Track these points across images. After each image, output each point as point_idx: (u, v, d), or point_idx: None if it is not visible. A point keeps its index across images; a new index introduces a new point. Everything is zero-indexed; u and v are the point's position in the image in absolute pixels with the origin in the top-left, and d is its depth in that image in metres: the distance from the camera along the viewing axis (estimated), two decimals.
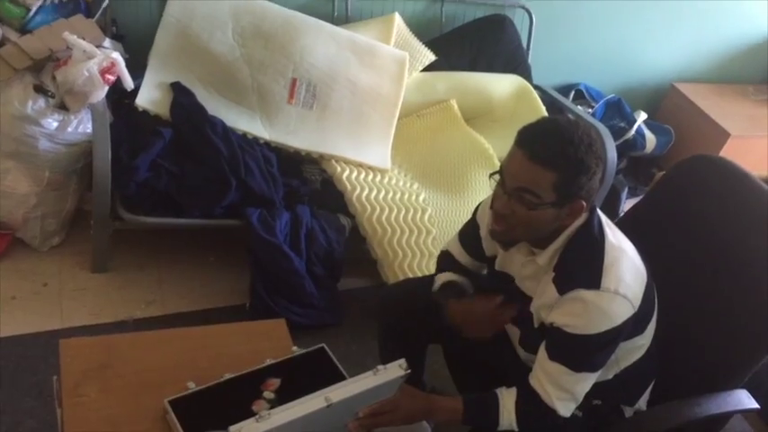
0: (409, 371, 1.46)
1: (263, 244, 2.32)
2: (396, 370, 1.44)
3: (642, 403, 1.71)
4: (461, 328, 1.69)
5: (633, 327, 1.50)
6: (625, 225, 1.99)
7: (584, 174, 1.39)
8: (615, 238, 1.52)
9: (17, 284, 2.33)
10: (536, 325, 1.57)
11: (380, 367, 1.44)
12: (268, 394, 1.56)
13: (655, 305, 1.62)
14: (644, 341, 1.61)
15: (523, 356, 1.69)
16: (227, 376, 1.58)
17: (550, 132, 1.40)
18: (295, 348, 1.70)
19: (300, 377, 1.61)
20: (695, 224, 1.86)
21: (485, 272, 1.80)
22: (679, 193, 1.92)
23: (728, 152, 3.39)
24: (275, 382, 1.59)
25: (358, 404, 1.42)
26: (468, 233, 1.78)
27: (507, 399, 1.54)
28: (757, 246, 1.71)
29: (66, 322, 2.25)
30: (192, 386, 1.54)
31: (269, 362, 1.63)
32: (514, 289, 1.63)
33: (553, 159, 1.37)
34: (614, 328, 1.43)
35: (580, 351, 1.47)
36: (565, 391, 1.49)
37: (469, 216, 1.79)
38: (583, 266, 1.47)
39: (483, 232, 1.71)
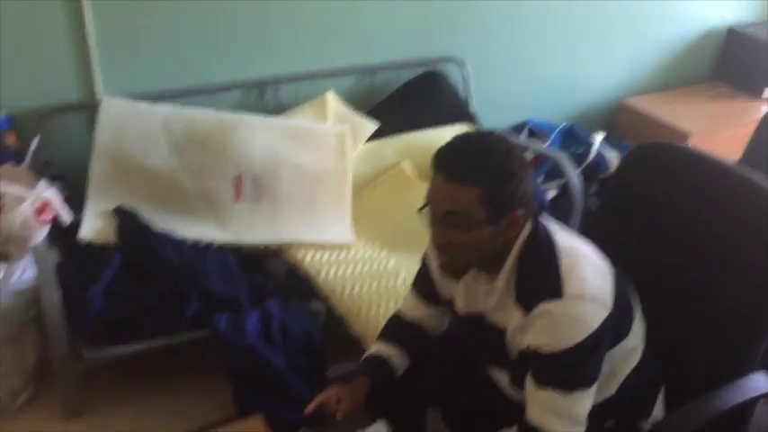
0: (392, 430, 1.32)
1: (236, 348, 2.19)
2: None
3: (659, 412, 1.57)
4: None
5: (614, 329, 1.39)
6: (591, 233, 1.92)
7: (509, 181, 1.31)
8: (567, 240, 1.42)
9: None
10: (515, 356, 1.44)
11: None
12: None
13: (634, 303, 1.50)
14: (634, 343, 1.49)
15: (518, 398, 1.55)
16: None
17: (463, 148, 1.34)
18: None
19: None
20: (656, 213, 1.78)
21: (446, 320, 1.70)
22: (631, 186, 1.85)
23: None
24: None
25: None
26: (421, 280, 1.69)
27: None
28: (723, 222, 1.62)
29: None
30: None
31: None
32: (487, 327, 1.51)
33: (471, 174, 1.30)
34: (592, 333, 1.32)
35: (565, 369, 1.35)
36: (564, 416, 1.36)
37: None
38: (540, 278, 1.37)
39: (435, 274, 1.61)
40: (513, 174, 1.32)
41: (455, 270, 1.46)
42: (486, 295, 1.48)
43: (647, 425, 1.55)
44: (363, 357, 1.68)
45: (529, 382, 1.40)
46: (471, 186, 1.30)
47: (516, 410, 1.53)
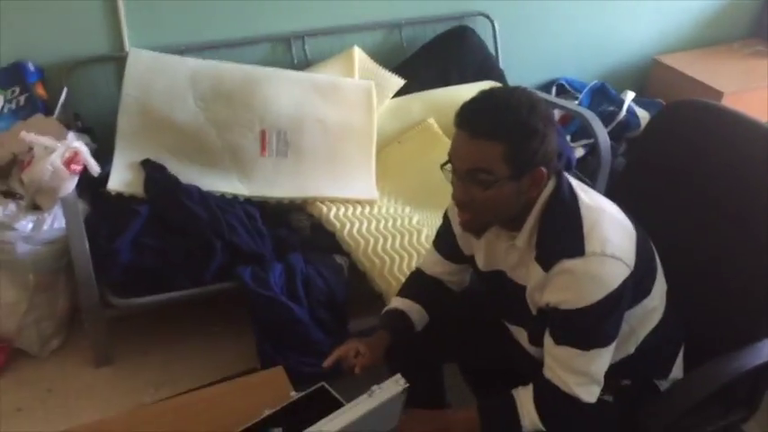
0: (407, 386, 1.33)
1: (260, 300, 2.23)
2: (393, 387, 1.32)
3: (677, 372, 1.57)
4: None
5: (635, 288, 1.37)
6: (617, 193, 1.90)
7: (532, 138, 1.29)
8: (590, 198, 1.40)
9: (21, 395, 2.25)
10: (534, 312, 1.44)
11: (375, 387, 1.32)
12: None
13: (656, 263, 1.49)
14: (655, 303, 1.48)
15: (537, 355, 1.56)
16: None
17: (486, 104, 1.32)
18: (293, 393, 1.59)
19: (303, 421, 1.49)
20: (686, 173, 1.75)
21: (467, 277, 1.70)
22: (661, 144, 1.81)
23: None
24: None
25: (359, 431, 1.30)
26: (443, 237, 1.68)
27: (524, 398, 1.41)
28: (752, 184, 1.60)
29: (76, 422, 2.14)
30: None
31: (267, 412, 1.52)
32: (507, 284, 1.51)
33: (495, 130, 1.28)
34: (612, 292, 1.31)
35: (583, 327, 1.34)
36: (581, 374, 1.36)
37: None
38: (562, 236, 1.35)
39: (456, 230, 1.61)
40: (537, 130, 1.30)
41: (476, 228, 1.45)
42: (506, 252, 1.48)
43: (664, 383, 1.55)
44: (383, 312, 1.69)
45: (547, 339, 1.40)
46: (495, 142, 1.29)
47: (534, 367, 1.55)
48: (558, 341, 1.37)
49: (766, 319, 1.53)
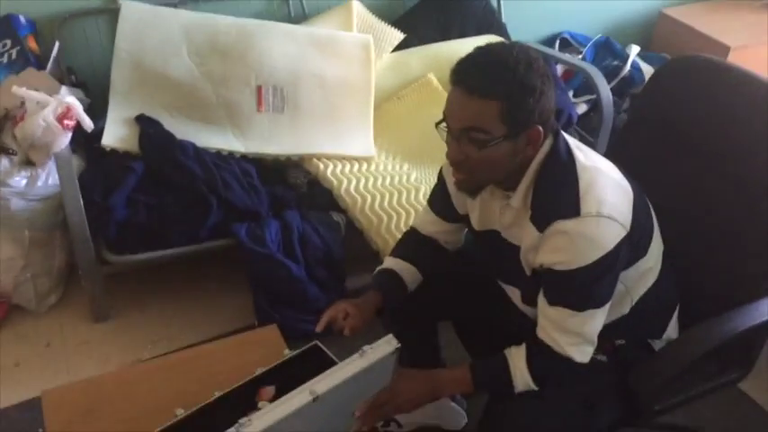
0: (399, 345, 1.33)
1: (256, 257, 2.23)
2: (384, 347, 1.31)
3: (672, 332, 1.56)
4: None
5: (631, 250, 1.36)
6: (618, 149, 1.87)
7: (529, 96, 1.26)
8: (587, 158, 1.37)
9: (19, 350, 2.27)
10: (528, 273, 1.43)
11: (366, 347, 1.31)
12: (263, 404, 1.44)
13: (653, 223, 1.46)
14: (651, 263, 1.46)
15: (531, 314, 1.55)
16: (218, 394, 1.47)
17: (483, 61, 1.28)
18: (287, 352, 1.59)
19: (296, 380, 1.49)
20: (686, 131, 1.71)
21: (462, 236, 1.68)
22: (662, 101, 1.78)
23: None
24: (270, 390, 1.48)
25: (350, 392, 1.29)
26: (437, 196, 1.66)
27: (517, 357, 1.41)
28: (751, 142, 1.57)
29: (74, 377, 2.17)
30: (181, 412, 1.43)
31: (260, 371, 1.53)
32: (502, 244, 1.50)
33: (492, 88, 1.25)
34: (608, 253, 1.29)
35: (577, 288, 1.33)
36: (574, 334, 1.35)
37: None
38: (557, 196, 1.33)
39: (451, 189, 1.58)
40: (535, 88, 1.27)
41: (471, 187, 1.43)
42: (501, 212, 1.46)
43: (659, 343, 1.54)
44: (375, 272, 1.68)
45: (541, 300, 1.39)
46: (491, 100, 1.25)
47: (528, 326, 1.54)
48: (552, 302, 1.36)
49: (763, 279, 1.51)
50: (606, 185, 1.33)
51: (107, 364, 2.22)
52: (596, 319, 1.36)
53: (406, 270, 1.64)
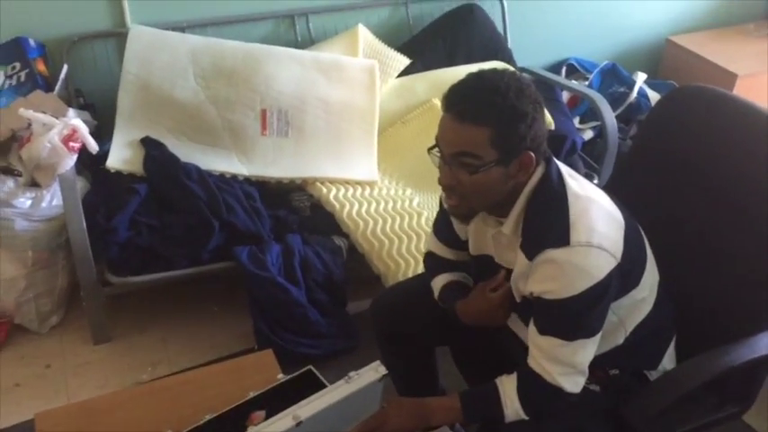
0: (386, 373, 1.32)
1: (257, 280, 2.23)
2: (371, 374, 1.31)
3: (668, 363, 1.54)
4: (479, 326, 1.54)
5: (623, 280, 1.34)
6: (621, 177, 1.86)
7: (521, 121, 1.26)
8: (580, 186, 1.37)
9: (20, 371, 2.27)
10: (518, 299, 1.42)
11: (353, 374, 1.31)
12: (252, 429, 1.43)
13: (646, 253, 1.45)
14: (644, 294, 1.44)
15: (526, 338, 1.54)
16: (208, 417, 1.47)
17: (473, 86, 1.29)
18: (280, 376, 1.58)
19: (288, 404, 1.48)
20: (688, 161, 1.70)
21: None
22: (664, 130, 1.77)
23: (740, 94, 3.18)
24: (260, 415, 1.46)
25: (335, 417, 1.29)
26: (440, 224, 1.66)
27: (508, 386, 1.39)
28: (753, 176, 1.55)
29: (73, 399, 2.18)
30: None
31: (252, 395, 1.52)
32: (496, 268, 1.49)
33: (482, 113, 1.25)
34: (597, 283, 1.28)
35: (567, 317, 1.32)
36: (564, 364, 1.34)
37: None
38: (548, 225, 1.32)
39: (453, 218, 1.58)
40: (526, 114, 1.27)
41: (463, 213, 1.43)
42: (494, 238, 1.45)
43: (654, 374, 1.52)
44: (440, 288, 1.62)
45: (531, 328, 1.38)
46: (481, 126, 1.26)
47: (523, 353, 1.53)
48: (542, 331, 1.35)
49: (764, 313, 1.49)
50: (598, 215, 1.33)
51: (106, 386, 2.22)
52: (587, 350, 1.35)
53: (462, 277, 1.63)
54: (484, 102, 1.26)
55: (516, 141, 1.28)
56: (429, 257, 1.72)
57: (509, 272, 1.44)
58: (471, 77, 1.32)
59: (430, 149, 1.37)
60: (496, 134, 1.26)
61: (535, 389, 1.36)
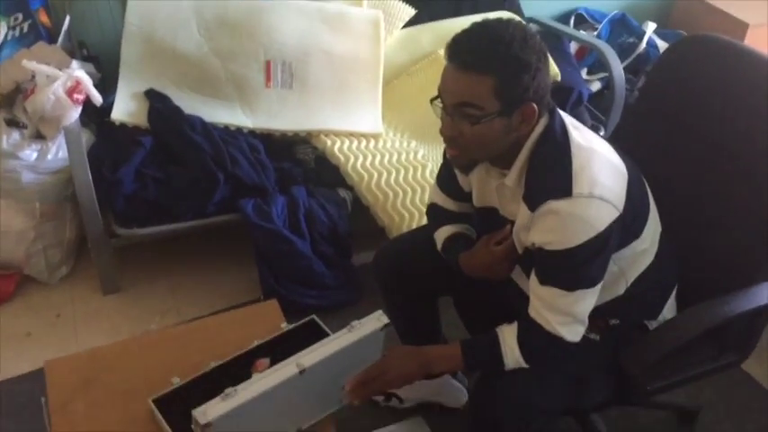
0: (388, 322, 1.34)
1: (262, 232, 2.25)
2: (373, 323, 1.33)
3: (668, 314, 1.56)
4: (482, 278, 1.56)
5: (624, 231, 1.35)
6: (625, 127, 1.85)
7: (524, 72, 1.25)
8: (583, 138, 1.36)
9: (31, 321, 2.31)
10: (519, 251, 1.43)
11: (355, 322, 1.33)
12: (257, 375, 1.47)
13: (649, 205, 1.45)
14: (645, 245, 1.45)
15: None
16: (214, 365, 1.51)
17: (478, 35, 1.27)
18: (284, 325, 1.61)
19: (292, 352, 1.51)
20: (692, 112, 1.69)
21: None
22: (670, 80, 1.75)
23: (751, 44, 3.12)
24: (265, 362, 1.50)
25: (338, 365, 1.32)
26: (444, 176, 1.66)
27: (508, 335, 1.41)
28: (760, 125, 1.53)
29: (83, 348, 2.21)
30: (177, 381, 1.47)
31: (257, 343, 1.55)
32: (500, 220, 1.50)
33: (486, 63, 1.24)
34: (598, 235, 1.28)
35: (568, 268, 1.33)
36: (564, 314, 1.35)
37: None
38: (550, 176, 1.32)
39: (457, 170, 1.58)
40: (529, 64, 1.26)
41: (464, 163, 1.43)
42: (497, 190, 1.46)
43: (654, 324, 1.54)
44: (444, 241, 1.63)
45: (532, 279, 1.39)
46: (485, 76, 1.25)
47: (526, 303, 1.54)
48: (543, 281, 1.36)
49: (763, 263, 1.49)
50: (600, 166, 1.33)
51: (116, 335, 2.26)
52: (587, 300, 1.36)
53: (466, 228, 1.64)
54: (488, 51, 1.25)
55: (519, 92, 1.27)
56: (432, 209, 1.73)
57: (513, 224, 1.45)
58: (475, 27, 1.30)
59: (432, 100, 1.37)
60: (499, 84, 1.25)
61: (535, 338, 1.38)
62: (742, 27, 3.15)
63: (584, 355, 1.43)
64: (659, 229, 1.50)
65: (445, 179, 1.67)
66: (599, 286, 1.36)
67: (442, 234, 1.66)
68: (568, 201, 1.28)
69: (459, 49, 1.28)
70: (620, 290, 1.47)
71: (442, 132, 1.37)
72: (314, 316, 1.61)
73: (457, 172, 1.60)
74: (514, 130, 1.32)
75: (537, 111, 1.31)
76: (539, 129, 1.35)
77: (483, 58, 1.25)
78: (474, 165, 1.43)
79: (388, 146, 2.53)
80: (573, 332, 1.37)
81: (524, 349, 1.39)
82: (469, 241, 1.62)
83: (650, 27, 3.22)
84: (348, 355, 1.30)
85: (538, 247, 1.34)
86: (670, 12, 3.53)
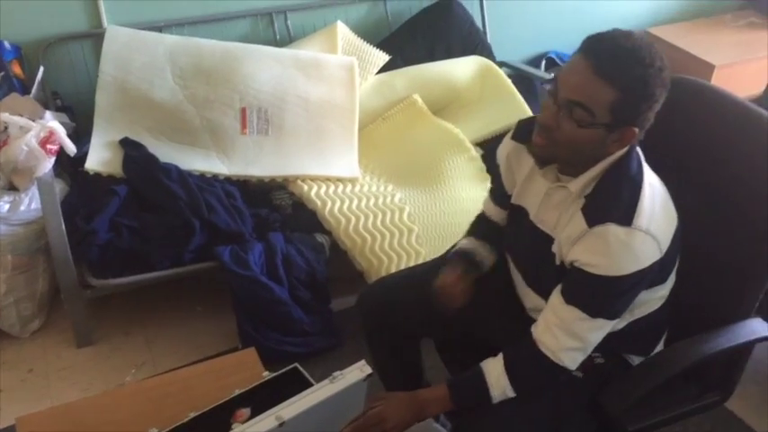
0: (371, 372, 1.32)
1: (240, 279, 2.22)
2: (355, 373, 1.30)
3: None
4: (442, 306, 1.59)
5: (657, 274, 1.36)
6: None
7: (646, 99, 1.26)
8: (652, 177, 1.39)
9: (2, 376, 2.25)
10: (557, 262, 1.41)
11: (338, 373, 1.30)
12: (237, 426, 1.43)
13: (677, 257, 1.46)
14: (664, 292, 1.47)
15: (530, 304, 1.56)
16: (192, 415, 1.46)
17: (623, 46, 1.24)
18: (266, 374, 1.58)
19: (273, 402, 1.48)
20: (668, 152, 1.70)
21: None
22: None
23: (718, 83, 3.20)
24: (245, 413, 1.46)
25: (320, 417, 1.28)
26: (495, 184, 1.65)
27: (492, 367, 1.41)
28: (736, 162, 1.56)
29: (57, 403, 2.15)
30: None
31: (237, 392, 1.51)
32: (527, 224, 1.49)
33: (618, 76, 1.23)
34: (640, 270, 1.30)
35: (601, 294, 1.33)
36: (577, 338, 1.36)
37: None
38: (618, 200, 1.32)
39: (503, 169, 1.58)
40: (653, 94, 1.26)
41: (545, 155, 1.38)
42: (548, 193, 1.44)
43: (636, 360, 1.53)
44: (454, 251, 1.65)
45: (556, 297, 1.38)
46: (611, 87, 1.23)
47: (508, 337, 1.50)
48: (569, 300, 1.35)
49: (745, 301, 1.50)
50: (662, 208, 1.35)
51: (90, 389, 2.21)
52: (602, 331, 1.37)
53: (480, 246, 1.64)
54: (625, 67, 1.23)
55: (633, 115, 1.27)
56: (477, 218, 1.75)
57: (538, 231, 1.45)
58: (622, 35, 1.27)
59: (543, 82, 1.36)
60: (620, 101, 1.24)
61: (529, 359, 1.38)
62: (709, 68, 3.24)
63: (566, 391, 1.42)
64: (674, 280, 1.50)
65: (496, 187, 1.66)
66: (615, 322, 1.37)
67: (460, 243, 1.69)
68: (627, 230, 1.29)
69: (600, 49, 1.25)
70: (622, 324, 1.46)
71: (540, 118, 1.34)
72: (296, 364, 1.58)
73: (503, 173, 1.59)
74: (607, 146, 1.32)
75: (635, 137, 1.31)
76: (619, 153, 1.35)
77: (618, 71, 1.24)
78: (552, 161, 1.40)
79: (365, 190, 2.53)
80: (573, 360, 1.37)
81: (514, 372, 1.38)
82: (474, 264, 1.63)
83: None
84: (330, 406, 1.27)
85: (578, 267, 1.33)
86: None
